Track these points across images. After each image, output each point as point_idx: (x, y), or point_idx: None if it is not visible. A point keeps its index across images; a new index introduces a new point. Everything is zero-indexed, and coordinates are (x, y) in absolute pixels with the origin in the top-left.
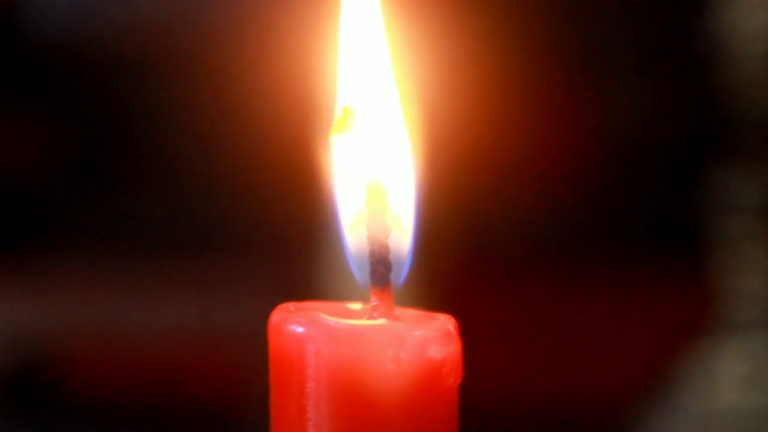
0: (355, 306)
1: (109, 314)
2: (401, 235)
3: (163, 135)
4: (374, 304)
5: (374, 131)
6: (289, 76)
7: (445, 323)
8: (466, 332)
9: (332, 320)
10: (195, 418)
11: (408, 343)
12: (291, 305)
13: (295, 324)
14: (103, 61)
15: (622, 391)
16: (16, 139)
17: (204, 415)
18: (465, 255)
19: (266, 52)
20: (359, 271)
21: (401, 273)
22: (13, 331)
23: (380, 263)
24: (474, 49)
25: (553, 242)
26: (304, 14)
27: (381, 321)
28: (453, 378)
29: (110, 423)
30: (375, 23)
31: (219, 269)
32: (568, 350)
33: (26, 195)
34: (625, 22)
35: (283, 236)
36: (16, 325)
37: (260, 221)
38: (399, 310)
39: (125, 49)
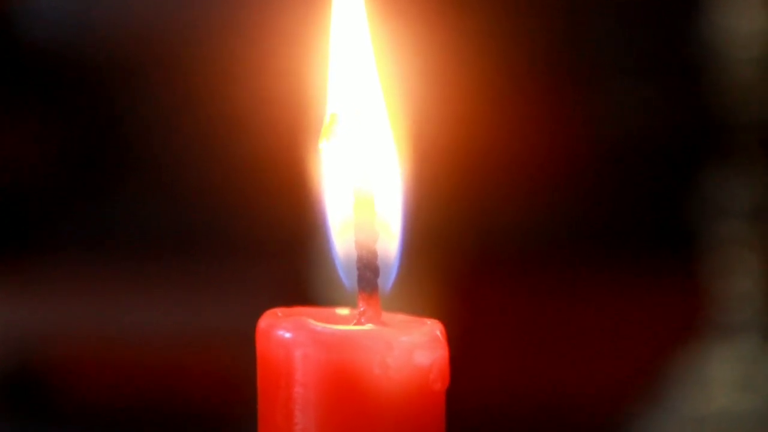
0: (343, 311)
1: (101, 317)
2: (389, 241)
3: (156, 139)
4: (362, 309)
5: (363, 137)
6: (279, 82)
7: (432, 328)
8: (453, 337)
9: (320, 326)
10: (186, 420)
11: (395, 348)
12: (279, 311)
13: (282, 329)
14: (96, 65)
15: (616, 394)
16: (11, 142)
17: (195, 418)
18: (453, 260)
19: (258, 57)
20: (347, 277)
21: (389, 278)
22: (6, 332)
23: (368, 268)
24: (464, 53)
25: (543, 246)
26: (295, 20)
27: (368, 326)
28: (440, 383)
29: (102, 425)
30: (364, 29)
31: (210, 273)
32: (561, 353)
33: (20, 198)
34: (618, 25)
35: (272, 241)
36: (9, 326)
37: (250, 226)
38: (386, 316)
39: (120, 54)
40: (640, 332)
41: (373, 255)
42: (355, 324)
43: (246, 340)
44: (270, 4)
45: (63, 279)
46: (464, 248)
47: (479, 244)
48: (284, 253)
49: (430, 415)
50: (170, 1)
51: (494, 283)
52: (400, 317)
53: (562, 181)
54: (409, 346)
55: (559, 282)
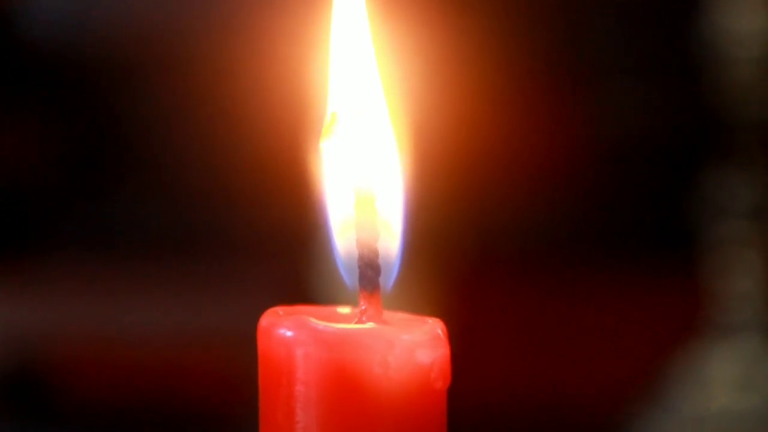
0: (344, 310)
1: (102, 316)
2: (390, 239)
3: (156, 138)
4: (363, 307)
5: (363, 136)
6: (280, 80)
7: (433, 327)
8: (455, 336)
9: (321, 324)
10: (187, 420)
11: (396, 347)
12: (280, 309)
13: (284, 328)
14: (96, 65)
15: (616, 393)
16: (11, 142)
17: (196, 417)
18: (455, 258)
19: (258, 56)
20: (348, 275)
21: (390, 277)
22: (6, 332)
23: (369, 267)
24: (465, 53)
25: (544, 245)
26: (296, 19)
27: (370, 325)
28: (441, 382)
29: (102, 425)
30: (364, 29)
31: (211, 273)
32: (561, 353)
33: (20, 198)
34: (618, 25)
35: (273, 240)
36: (9, 326)
37: (251, 225)
38: (388, 314)
39: (119, 54)
40: (640, 332)
41: (375, 253)
42: (357, 322)
43: (247, 339)
44: (270, 4)
45: (63, 279)
46: (465, 247)
47: (480, 243)
48: (285, 251)
49: (431, 414)
50: (170, 1)
51: (495, 282)
52: (402, 316)
53: (562, 181)
54: (410, 345)
55: (559, 282)
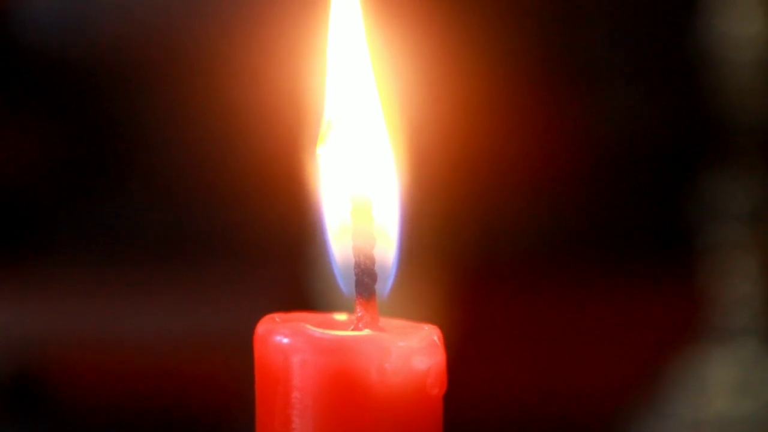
0: (341, 316)
1: (100, 320)
2: (387, 246)
3: (154, 143)
4: (359, 314)
5: (360, 143)
6: (278, 86)
7: (429, 334)
8: (451, 342)
9: (318, 331)
10: (185, 425)
11: (393, 353)
12: (277, 316)
13: (280, 335)
14: (96, 66)
15: (613, 397)
16: (11, 143)
17: (193, 422)
18: (451, 265)
19: (257, 62)
20: (345, 282)
21: (386, 283)
22: (5, 335)
23: (366, 274)
24: (462, 57)
25: (541, 250)
26: (293, 24)
27: (366, 332)
28: (438, 388)
29: (100, 429)
30: (361, 35)
31: (209, 278)
32: (559, 357)
33: (20, 200)
34: (616, 29)
35: (270, 246)
36: (8, 329)
37: (248, 231)
38: (384, 321)
39: (119, 55)
40: (638, 336)
41: (371, 260)
42: (353, 329)
43: (244, 344)
44: (269, 10)
45: (62, 282)
46: (461, 253)
47: (476, 250)
48: (282, 258)
49: (427, 420)
50: (169, 5)
51: (492, 288)
52: (398, 322)
53: (560, 186)
54: (406, 352)
55: (557, 286)
